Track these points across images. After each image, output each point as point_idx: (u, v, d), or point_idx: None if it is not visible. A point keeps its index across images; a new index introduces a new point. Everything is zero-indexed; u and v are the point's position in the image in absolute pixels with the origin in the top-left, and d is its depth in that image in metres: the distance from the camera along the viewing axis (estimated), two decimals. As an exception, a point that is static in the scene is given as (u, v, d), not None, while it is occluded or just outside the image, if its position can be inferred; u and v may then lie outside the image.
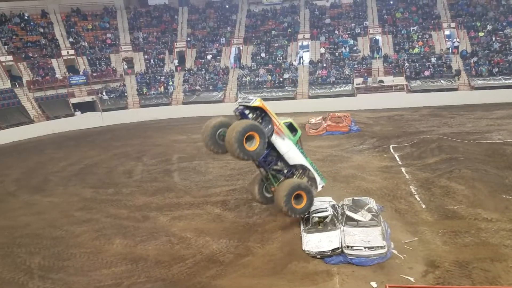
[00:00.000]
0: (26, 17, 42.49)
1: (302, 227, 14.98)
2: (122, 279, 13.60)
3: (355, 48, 40.51)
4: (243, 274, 13.31)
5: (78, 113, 37.59)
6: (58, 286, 13.51)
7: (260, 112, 15.18)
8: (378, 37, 41.31)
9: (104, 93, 38.98)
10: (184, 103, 38.98)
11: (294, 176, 15.56)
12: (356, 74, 37.44)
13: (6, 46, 39.72)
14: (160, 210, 18.30)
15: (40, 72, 38.87)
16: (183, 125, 34.54)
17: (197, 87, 39.51)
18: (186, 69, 41.76)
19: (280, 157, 15.28)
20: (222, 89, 39.17)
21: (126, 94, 39.54)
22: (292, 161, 15.41)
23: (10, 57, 38.70)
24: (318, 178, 16.02)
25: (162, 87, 40.04)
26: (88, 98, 38.79)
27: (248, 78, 39.26)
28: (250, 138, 13.94)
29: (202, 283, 13.06)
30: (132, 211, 18.48)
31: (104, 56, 42.51)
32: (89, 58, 41.87)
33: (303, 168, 15.72)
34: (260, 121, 15.18)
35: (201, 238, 15.68)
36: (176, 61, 42.61)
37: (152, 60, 42.92)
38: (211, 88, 39.44)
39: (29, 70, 38.78)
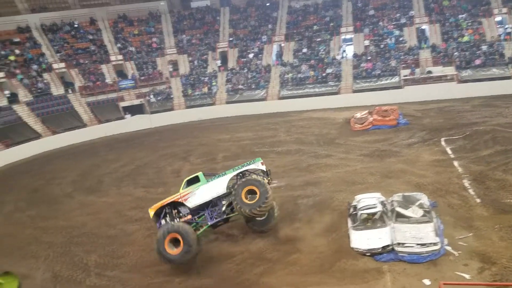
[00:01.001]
0: (76, 25, 44.54)
1: (349, 224, 14.74)
2: (173, 276, 13.99)
3: (401, 39, 39.22)
4: (291, 272, 13.29)
5: (128, 116, 38.96)
6: (113, 283, 14.11)
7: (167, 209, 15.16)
8: (424, 26, 39.71)
9: (151, 96, 40.17)
10: (227, 102, 39.41)
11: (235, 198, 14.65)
12: (403, 65, 36.22)
13: (58, 54, 41.83)
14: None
15: (91, 78, 40.64)
16: (227, 124, 34.97)
17: (240, 86, 39.82)
18: (229, 68, 42.20)
19: (215, 202, 15.13)
20: (264, 87, 39.23)
21: (172, 96, 40.52)
22: (218, 193, 15.03)
23: (62, 64, 40.73)
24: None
25: (206, 87, 40.70)
26: (136, 101, 40.10)
27: (290, 75, 39.08)
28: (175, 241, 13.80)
29: (250, 280, 13.17)
30: (181, 209, 18.91)
31: (150, 60, 43.79)
32: (137, 62, 43.27)
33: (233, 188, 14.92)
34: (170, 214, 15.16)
35: (247, 235, 15.81)
36: (218, 62, 43.17)
37: (195, 62, 43.74)
38: (253, 87, 39.61)
39: (81, 76, 40.64)
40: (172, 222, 14.30)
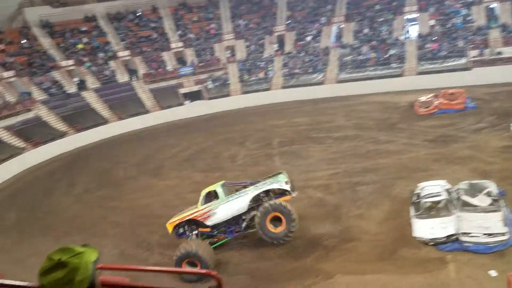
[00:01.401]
0: (139, 13, 46.11)
1: (412, 213, 14.19)
2: (231, 257, 14.29)
3: (468, 18, 36.71)
4: (348, 259, 13.08)
5: (187, 102, 40.03)
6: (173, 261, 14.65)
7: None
8: (494, 4, 36.86)
9: (209, 82, 40.89)
10: (283, 87, 39.13)
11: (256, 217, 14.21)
12: (471, 46, 33.95)
13: (123, 42, 43.61)
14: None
15: (153, 65, 42.07)
16: (283, 109, 34.81)
17: (297, 70, 39.37)
18: (285, 52, 41.82)
19: (235, 218, 14.56)
20: (322, 70, 38.49)
21: (228, 82, 40.96)
22: (239, 211, 14.47)
23: (127, 52, 42.46)
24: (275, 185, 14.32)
25: (262, 72, 40.68)
26: (195, 88, 41.03)
27: (349, 57, 37.99)
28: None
29: (305, 266, 13.14)
30: (238, 193, 19.18)
31: (208, 46, 44.44)
32: (196, 49, 44.11)
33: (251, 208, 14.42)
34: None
35: (303, 221, 15.70)
36: (275, 46, 42.89)
37: (252, 47, 43.77)
38: (310, 70, 38.98)
39: (144, 64, 42.17)
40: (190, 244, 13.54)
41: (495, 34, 34.30)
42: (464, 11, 37.33)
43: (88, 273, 1.56)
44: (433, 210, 13.72)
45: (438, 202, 13.79)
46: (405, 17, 39.62)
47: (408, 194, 15.55)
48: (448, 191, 14.35)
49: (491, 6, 36.98)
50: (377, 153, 21.37)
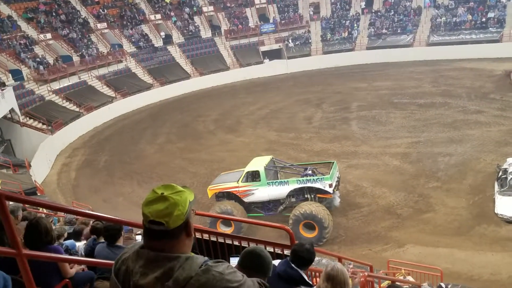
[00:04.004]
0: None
1: (496, 189, 13.33)
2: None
3: None
4: (423, 230, 12.76)
5: (266, 60, 39.94)
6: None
7: None
8: None
9: (290, 41, 40.27)
10: (368, 48, 37.38)
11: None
12: None
13: (208, -2, 44.10)
14: (337, 157, 18.60)
15: (235, 22, 42.25)
16: (365, 72, 33.50)
17: (384, 31, 37.27)
18: (374, 11, 39.61)
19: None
20: (412, 31, 36.06)
21: (310, 41, 40.00)
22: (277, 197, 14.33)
23: (211, 8, 43.02)
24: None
25: (346, 32, 39.09)
26: (275, 46, 40.67)
27: (443, 18, 35.10)
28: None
29: (377, 232, 13.07)
30: (311, 155, 19.23)
31: (292, 3, 43.42)
32: (279, 5, 43.35)
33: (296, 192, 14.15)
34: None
35: (377, 188, 15.47)
36: (363, 3, 40.72)
37: (338, 4, 41.99)
38: (399, 31, 36.68)
39: (227, 20, 42.49)
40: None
41: None
42: None
43: (185, 210, 1.73)
44: (522, 188, 12.77)
45: (529, 180, 12.79)
46: (512, -25, 35.43)
47: (494, 169, 14.56)
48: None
49: None
50: (464, 123, 20.04)
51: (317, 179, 13.78)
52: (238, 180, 14.57)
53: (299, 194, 14.20)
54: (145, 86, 35.05)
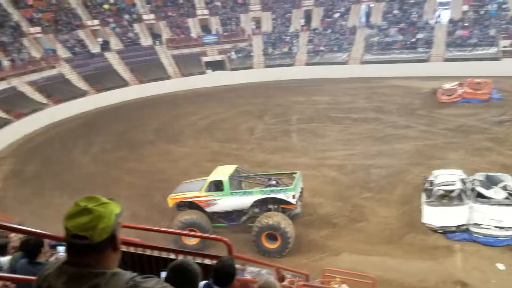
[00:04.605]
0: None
1: (423, 199, 14.20)
2: (239, 232, 14.53)
3: (504, 6, 35.33)
4: (357, 239, 13.26)
5: (209, 71, 39.92)
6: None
7: None
8: (535, -7, 35.37)
9: (233, 53, 40.61)
10: (307, 64, 38.63)
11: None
12: (503, 35, 32.79)
13: (148, 5, 43.37)
14: (278, 168, 18.91)
15: (176, 31, 41.89)
16: (304, 86, 34.47)
17: (321, 48, 38.74)
18: (312, 28, 41.09)
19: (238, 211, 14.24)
20: (347, 50, 37.81)
21: (252, 54, 40.61)
22: (240, 208, 14.15)
23: (152, 16, 42.35)
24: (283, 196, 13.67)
25: (287, 47, 40.15)
26: (218, 57, 40.79)
27: (376, 38, 37.16)
28: None
29: (315, 241, 13.40)
30: (253, 166, 19.33)
31: (234, 16, 43.90)
32: (221, 18, 43.64)
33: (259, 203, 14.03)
34: None
35: (316, 198, 15.90)
36: (302, 21, 42.12)
37: (279, 20, 43.09)
38: (335, 49, 38.31)
39: (168, 29, 42.01)
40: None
41: (530, 25, 33.07)
42: (500, -1, 35.95)
43: (110, 223, 1.66)
44: (446, 198, 13.71)
45: (452, 191, 13.76)
46: (437, 0, 38.34)
47: (422, 180, 15.51)
48: (463, 181, 14.28)
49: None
50: (394, 138, 21.21)
51: (280, 190, 13.72)
52: (201, 190, 14.26)
53: (263, 205, 14.07)
54: (79, 93, 33.65)
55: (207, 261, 4.45)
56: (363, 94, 30.19)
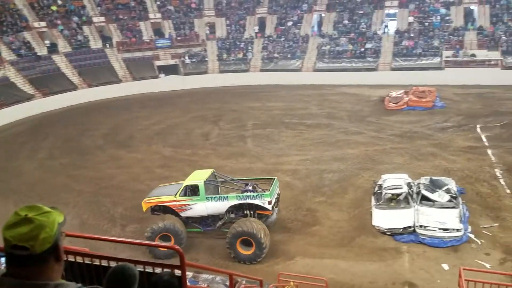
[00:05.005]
0: (118, -20, 44.58)
1: (373, 202, 14.69)
2: (195, 238, 14.41)
3: (447, 18, 37.48)
4: (311, 243, 13.48)
5: (162, 75, 39.29)
6: (137, 235, 14.65)
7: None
8: (473, 6, 37.71)
9: (186, 57, 40.25)
10: (261, 70, 38.99)
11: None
12: (446, 46, 34.76)
13: (99, 8, 42.15)
14: (233, 174, 18.87)
15: (128, 34, 40.96)
16: (259, 92, 34.80)
17: (275, 55, 39.30)
18: (266, 36, 41.59)
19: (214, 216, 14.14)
20: (300, 57, 38.57)
21: (206, 59, 40.45)
22: (216, 213, 14.08)
23: (102, 18, 41.10)
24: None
25: (241, 53, 40.37)
26: (171, 62, 40.27)
27: (327, 47, 38.20)
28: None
29: (270, 246, 13.41)
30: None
31: (188, 21, 43.57)
32: (174, 22, 43.16)
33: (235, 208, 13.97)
34: None
35: (270, 203, 15.97)
36: (256, 28, 42.54)
37: (233, 26, 43.26)
38: (289, 56, 38.96)
39: (119, 32, 40.98)
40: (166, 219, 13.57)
41: (470, 36, 35.19)
42: (443, 11, 38.01)
43: (52, 233, 1.60)
44: (393, 201, 14.27)
45: (399, 194, 14.35)
46: (385, 12, 40.06)
47: (371, 184, 16.04)
48: (409, 184, 14.93)
49: (471, 8, 37.80)
50: (346, 143, 21.84)
51: (257, 195, 13.61)
52: (176, 194, 13.95)
53: (239, 210, 13.92)
54: (25, 97, 32.02)
55: (158, 270, 4.33)
56: (315, 101, 30.89)
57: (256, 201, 13.51)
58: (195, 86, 37.78)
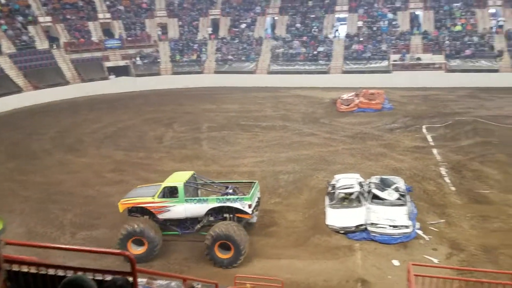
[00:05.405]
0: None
1: (326, 202, 15.00)
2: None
3: (394, 22, 39.07)
4: (267, 244, 13.55)
5: (112, 76, 38.19)
6: (87, 242, 14.11)
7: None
8: (418, 12, 39.61)
9: (138, 58, 39.35)
10: (216, 72, 38.86)
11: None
12: (393, 50, 36.23)
13: (45, 7, 40.34)
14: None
15: (76, 35, 39.48)
16: (214, 94, 34.64)
17: (230, 57, 39.28)
18: (220, 37, 41.49)
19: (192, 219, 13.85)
20: (254, 60, 38.79)
21: (159, 60, 39.76)
22: (195, 215, 13.77)
23: (48, 18, 39.36)
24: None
25: (195, 55, 40.01)
26: (122, 63, 39.27)
27: (281, 49, 38.68)
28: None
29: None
30: (161, 175, 18.77)
31: (139, 21, 42.64)
32: (125, 22, 42.10)
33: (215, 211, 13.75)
34: None
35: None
36: (209, 29, 42.34)
37: (186, 27, 42.79)
38: (243, 59, 39.10)
39: (66, 32, 39.41)
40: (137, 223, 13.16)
41: (416, 41, 36.86)
42: (390, 16, 39.59)
43: None
44: (346, 201, 14.65)
45: (351, 193, 14.74)
46: (335, 16, 41.13)
47: (325, 184, 16.38)
48: (360, 184, 15.38)
49: (416, 13, 39.59)
50: (300, 145, 22.17)
51: (237, 198, 13.41)
52: (154, 195, 13.50)
53: (218, 213, 13.63)
54: (-36, 99, 30.04)
55: (108, 278, 4.19)
56: (270, 103, 31.16)
57: (236, 204, 13.38)
58: (148, 88, 37.07)
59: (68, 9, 41.07)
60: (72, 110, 31.32)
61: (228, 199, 13.48)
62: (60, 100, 33.93)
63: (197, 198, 13.96)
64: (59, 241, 14.26)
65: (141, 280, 6.51)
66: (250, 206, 13.31)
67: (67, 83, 36.11)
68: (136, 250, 12.91)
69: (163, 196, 13.57)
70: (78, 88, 35.86)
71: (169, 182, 13.85)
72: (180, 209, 13.53)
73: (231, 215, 13.56)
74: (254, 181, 14.74)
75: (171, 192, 13.55)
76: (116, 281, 3.35)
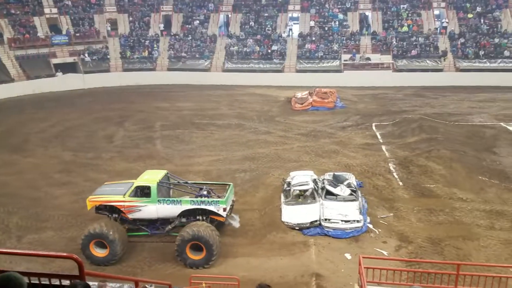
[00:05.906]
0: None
1: (282, 199, 15.18)
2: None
3: (344, 23, 40.08)
4: (224, 242, 13.50)
5: (59, 74, 36.59)
6: (35, 246, 13.51)
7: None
8: (368, 13, 40.89)
9: (86, 55, 37.91)
10: (169, 69, 38.16)
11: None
12: (344, 50, 37.17)
13: (-14, 1, 38.05)
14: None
15: (21, 30, 37.49)
16: (167, 92, 34.08)
17: (183, 54, 38.73)
18: (172, 34, 40.80)
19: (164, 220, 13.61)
20: (209, 57, 38.50)
21: (108, 57, 38.53)
22: (167, 216, 13.51)
23: (-9, 13, 37.20)
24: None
25: (147, 51, 39.11)
26: (70, 59, 37.69)
27: (236, 47, 38.64)
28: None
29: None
30: (112, 176, 18.29)
31: (87, 16, 41.11)
32: (73, 17, 40.45)
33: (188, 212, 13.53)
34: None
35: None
36: (161, 25, 41.51)
37: (137, 23, 41.72)
38: (197, 56, 38.68)
39: (10, 27, 37.34)
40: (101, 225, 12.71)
41: (366, 41, 38.02)
42: (341, 16, 40.57)
43: None
44: (301, 197, 14.91)
45: (305, 190, 15.01)
46: (288, 15, 41.61)
47: (281, 182, 16.58)
48: (315, 180, 15.70)
49: (366, 14, 40.82)
50: (256, 143, 22.29)
51: (211, 201, 13.18)
52: (125, 194, 12.99)
53: (191, 215, 13.25)
54: None
55: (57, 282, 4.03)
56: (225, 101, 31.08)
57: (211, 207, 13.19)
58: (97, 85, 35.93)
59: (12, 3, 38.97)
60: (18, 109, 29.77)
61: (203, 202, 13.31)
62: (5, 98, 32.20)
63: (170, 199, 13.64)
64: (4, 245, 13.57)
65: (93, 284, 6.30)
66: (225, 209, 13.21)
67: (11, 80, 34.34)
68: (99, 253, 12.58)
69: (135, 196, 13.22)
70: (23, 85, 34.17)
71: (142, 181, 13.49)
72: (152, 210, 13.23)
73: (205, 217, 13.38)
74: (229, 183, 14.62)
75: (143, 192, 13.21)
76: (76, 285, 3.26)
